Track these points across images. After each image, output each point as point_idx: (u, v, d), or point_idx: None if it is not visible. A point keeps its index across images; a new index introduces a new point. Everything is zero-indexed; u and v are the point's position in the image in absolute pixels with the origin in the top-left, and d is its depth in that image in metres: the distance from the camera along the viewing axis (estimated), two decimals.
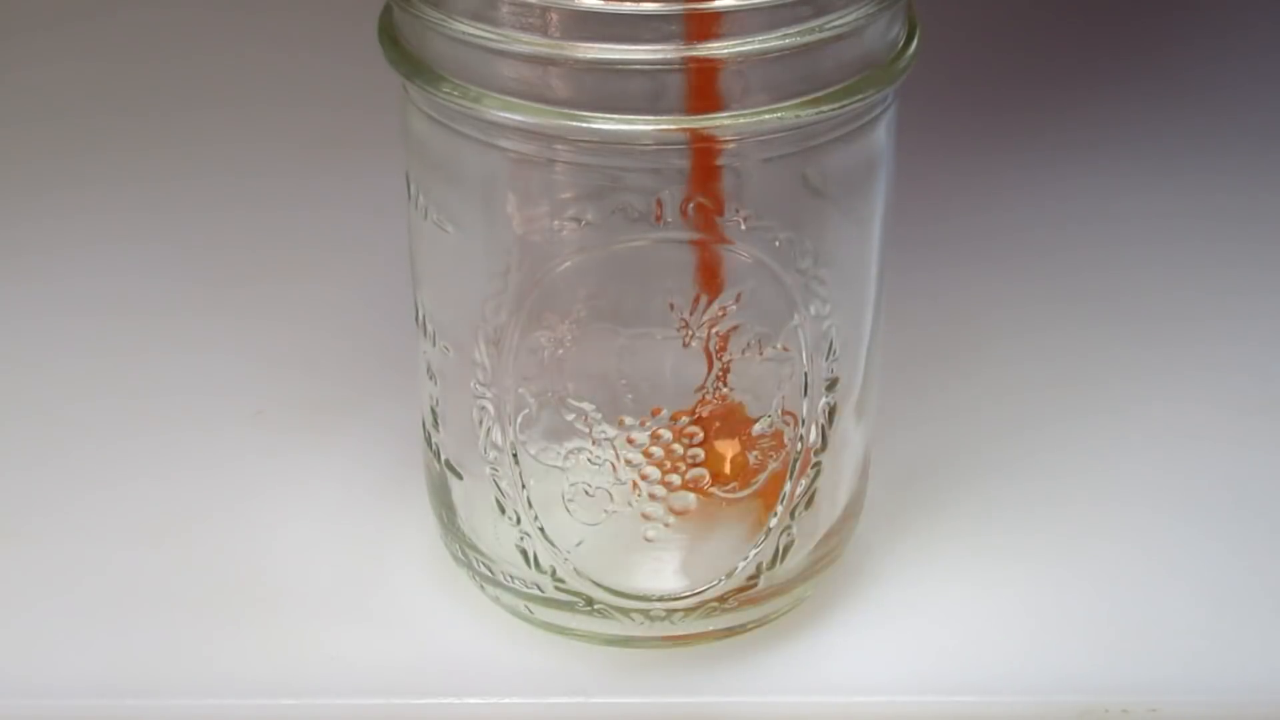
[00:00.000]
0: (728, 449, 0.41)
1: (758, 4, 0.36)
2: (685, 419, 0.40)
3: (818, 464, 0.42)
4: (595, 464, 0.41)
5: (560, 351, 0.40)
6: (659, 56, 0.35)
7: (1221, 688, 0.44)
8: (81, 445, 0.52)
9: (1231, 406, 0.54)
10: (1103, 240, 0.62)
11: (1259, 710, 0.43)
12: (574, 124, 0.36)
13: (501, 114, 0.37)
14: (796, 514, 0.43)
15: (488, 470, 0.42)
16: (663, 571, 0.42)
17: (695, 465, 0.41)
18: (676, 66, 0.36)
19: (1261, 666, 0.44)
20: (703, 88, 0.36)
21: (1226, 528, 0.49)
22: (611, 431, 0.40)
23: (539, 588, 0.43)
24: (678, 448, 0.40)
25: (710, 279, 0.39)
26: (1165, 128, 0.69)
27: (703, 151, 0.37)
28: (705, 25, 0.36)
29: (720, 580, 0.43)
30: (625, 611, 0.43)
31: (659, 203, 0.38)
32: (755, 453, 0.41)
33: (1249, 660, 0.44)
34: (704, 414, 0.40)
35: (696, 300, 0.39)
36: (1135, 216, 0.63)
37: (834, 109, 0.37)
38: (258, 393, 0.53)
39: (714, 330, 0.39)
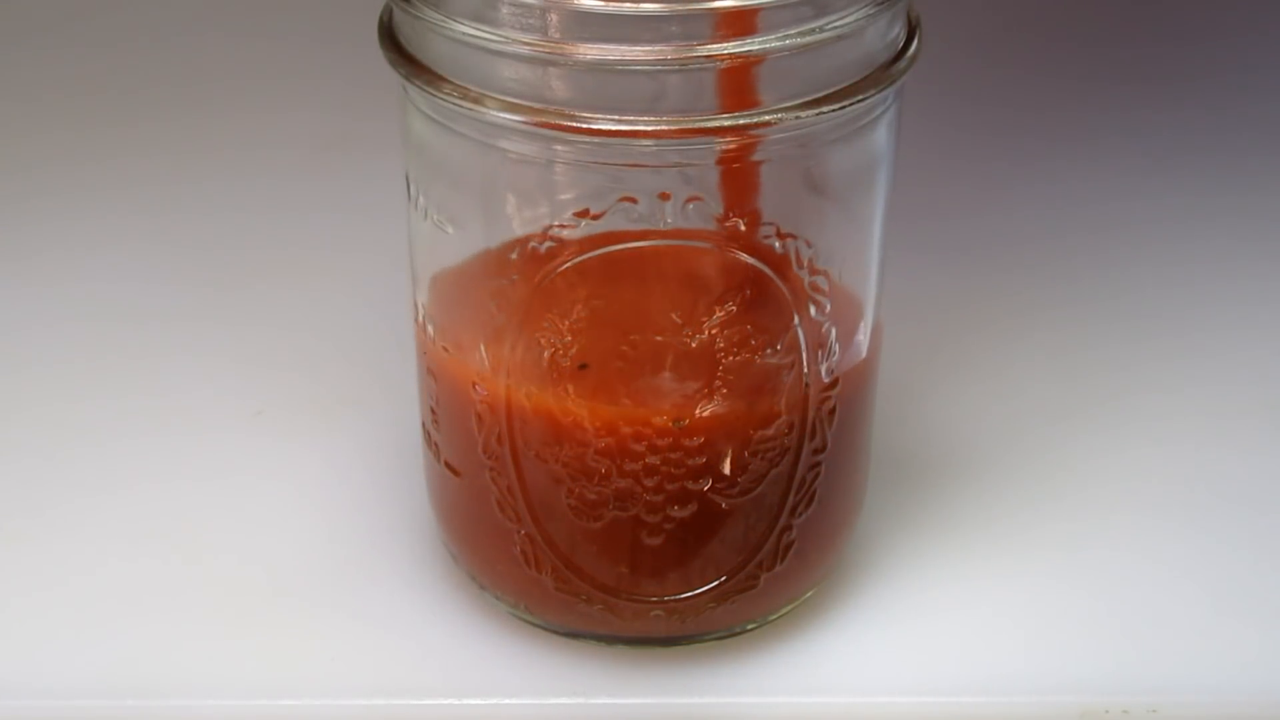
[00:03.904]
0: (728, 450, 0.41)
1: (758, 5, 0.36)
2: (686, 420, 0.40)
3: (818, 464, 0.42)
4: (595, 465, 0.41)
5: (560, 352, 0.40)
6: (659, 57, 0.35)
7: (1221, 688, 0.44)
8: (81, 446, 0.51)
9: (1232, 406, 0.54)
10: (1103, 240, 0.62)
11: (1259, 710, 0.43)
12: (574, 124, 0.36)
13: (501, 114, 0.37)
14: (797, 514, 0.43)
15: (487, 470, 0.42)
16: (662, 572, 0.42)
17: (695, 467, 0.41)
18: (677, 67, 0.36)
19: (1261, 666, 0.44)
20: (732, 87, 0.36)
21: (1226, 528, 0.49)
22: (612, 433, 0.40)
23: (539, 588, 0.43)
24: (678, 449, 0.40)
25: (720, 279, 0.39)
26: (1166, 127, 0.68)
27: (733, 158, 0.37)
28: (738, 22, 0.35)
29: (720, 580, 0.43)
30: (625, 612, 0.43)
31: (659, 203, 0.38)
32: (755, 454, 0.41)
33: (1249, 660, 0.44)
34: (704, 415, 0.40)
35: (697, 301, 0.39)
36: (1136, 216, 0.63)
37: (834, 110, 0.37)
38: (258, 393, 0.53)
39: (714, 331, 0.39)
